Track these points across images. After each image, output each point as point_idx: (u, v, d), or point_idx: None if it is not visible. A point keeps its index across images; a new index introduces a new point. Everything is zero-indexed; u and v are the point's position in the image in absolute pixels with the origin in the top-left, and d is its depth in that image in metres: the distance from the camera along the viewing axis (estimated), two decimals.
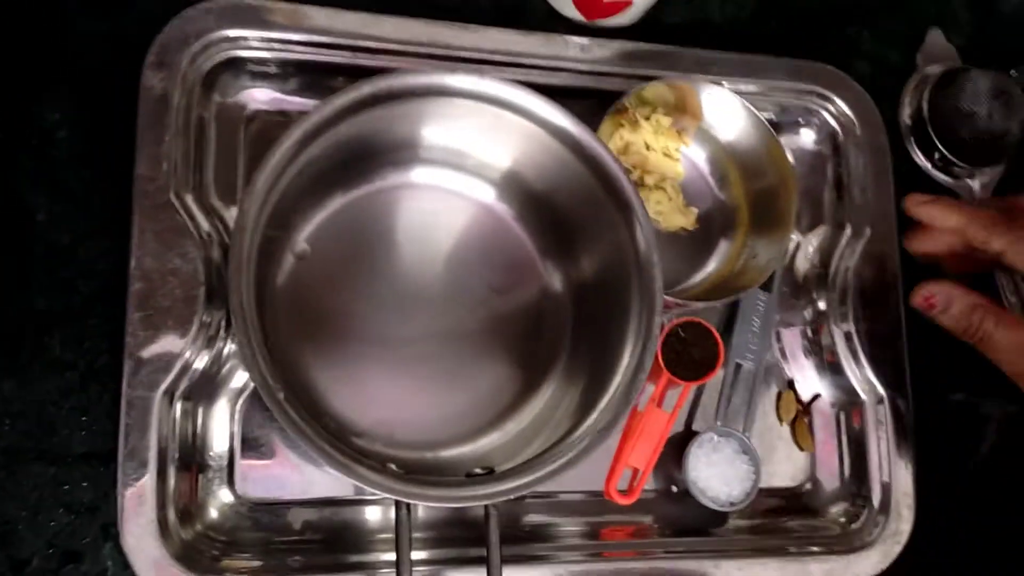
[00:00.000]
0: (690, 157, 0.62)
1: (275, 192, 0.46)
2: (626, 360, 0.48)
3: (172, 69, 0.51)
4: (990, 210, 0.49)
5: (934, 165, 0.64)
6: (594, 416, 0.46)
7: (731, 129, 0.60)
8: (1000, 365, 0.49)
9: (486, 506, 0.45)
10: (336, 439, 0.46)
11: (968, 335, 0.50)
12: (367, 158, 0.52)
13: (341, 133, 0.46)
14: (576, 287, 0.56)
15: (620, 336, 0.49)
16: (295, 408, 0.42)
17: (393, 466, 0.46)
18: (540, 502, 0.57)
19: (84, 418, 0.51)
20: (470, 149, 0.53)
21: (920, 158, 0.64)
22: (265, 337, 0.48)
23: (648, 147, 0.60)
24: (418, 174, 0.55)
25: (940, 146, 0.62)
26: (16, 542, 0.49)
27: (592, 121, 0.57)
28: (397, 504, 0.43)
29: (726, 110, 0.59)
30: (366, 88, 0.45)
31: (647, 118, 0.59)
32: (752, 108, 0.58)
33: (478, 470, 0.47)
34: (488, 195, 0.56)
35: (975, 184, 0.65)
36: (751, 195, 0.60)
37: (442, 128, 0.51)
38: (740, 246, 0.60)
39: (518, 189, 0.55)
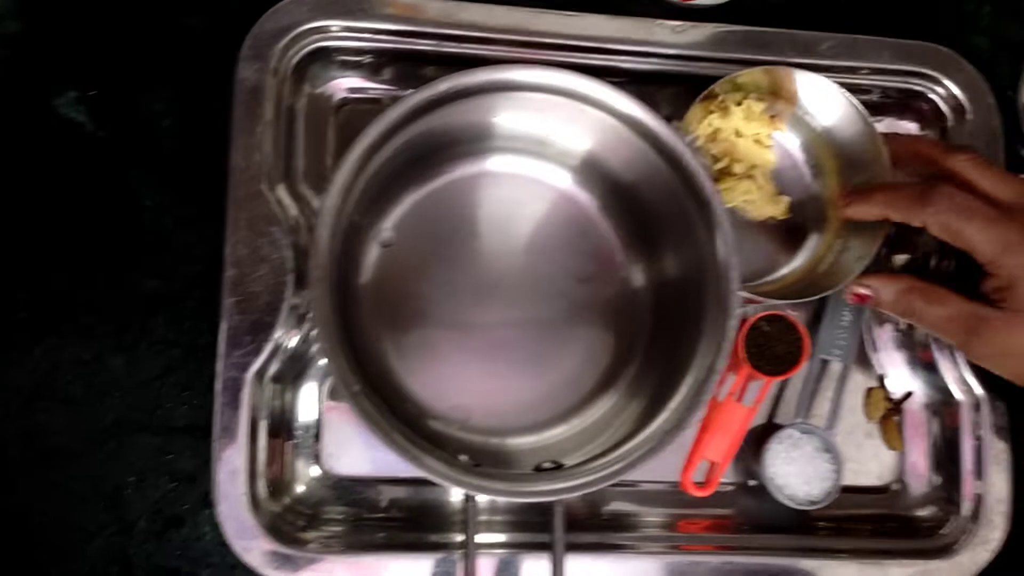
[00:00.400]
0: (784, 144, 0.60)
1: (356, 187, 0.47)
2: (697, 363, 0.47)
3: (265, 61, 0.53)
4: (907, 188, 0.50)
5: None
6: (663, 417, 0.46)
7: (828, 117, 0.57)
8: (939, 338, 0.54)
9: (553, 503, 0.46)
10: (412, 425, 0.48)
11: (906, 316, 0.53)
12: (444, 149, 0.53)
13: (416, 129, 0.47)
14: (657, 284, 0.55)
15: (694, 338, 0.49)
16: (371, 401, 0.44)
17: (465, 457, 0.47)
18: (616, 491, 0.57)
19: (186, 393, 0.55)
20: (548, 138, 0.53)
21: None
22: (348, 325, 0.51)
23: (738, 134, 0.58)
24: (495, 162, 0.55)
25: None
26: (125, 505, 0.53)
27: (683, 107, 0.57)
28: (467, 497, 0.45)
29: (824, 96, 0.56)
30: (441, 86, 0.46)
31: (738, 104, 0.57)
32: (851, 96, 0.55)
33: (547, 464, 0.48)
34: (567, 182, 0.56)
35: None
36: (847, 187, 0.57)
37: (518, 118, 0.51)
38: (831, 240, 0.58)
39: (599, 177, 0.55)
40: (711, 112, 0.57)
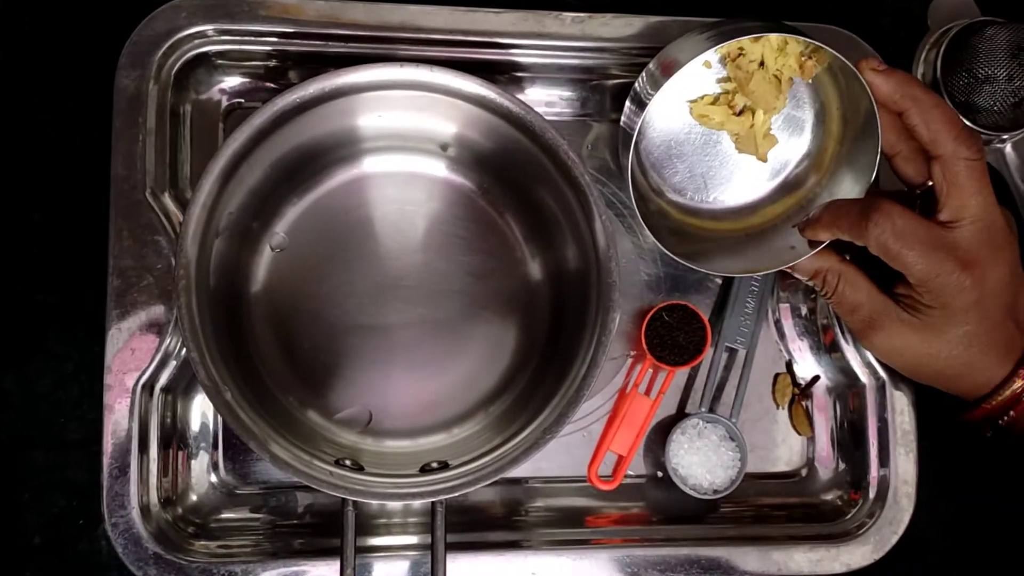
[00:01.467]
0: (799, 104, 0.55)
1: (231, 194, 0.47)
2: (580, 358, 0.47)
3: (145, 68, 0.52)
4: (850, 208, 0.49)
5: None
6: (544, 414, 0.46)
7: (851, 108, 0.53)
8: (844, 321, 0.55)
9: (433, 503, 0.45)
10: (299, 432, 0.48)
11: (817, 289, 0.53)
12: (317, 158, 0.52)
13: (285, 138, 0.46)
14: (555, 278, 0.55)
15: (580, 333, 0.48)
16: (243, 408, 0.44)
17: (348, 462, 0.47)
18: (530, 488, 0.57)
19: (80, 407, 0.54)
20: (420, 132, 0.53)
21: None
22: (235, 330, 0.50)
23: (762, 63, 0.52)
24: (371, 163, 0.55)
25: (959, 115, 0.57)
26: (20, 524, 0.53)
27: (580, 97, 0.59)
28: (343, 502, 0.44)
29: (855, 89, 0.51)
30: (309, 88, 0.46)
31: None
32: (874, 99, 0.50)
33: (434, 463, 0.47)
34: (444, 171, 0.56)
35: (1007, 148, 0.60)
36: (827, 179, 0.55)
37: (388, 117, 0.51)
38: (779, 214, 0.56)
39: (476, 163, 0.55)
40: None
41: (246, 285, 0.53)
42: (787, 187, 0.57)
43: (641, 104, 0.51)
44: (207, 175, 0.45)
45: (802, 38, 0.50)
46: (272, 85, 0.56)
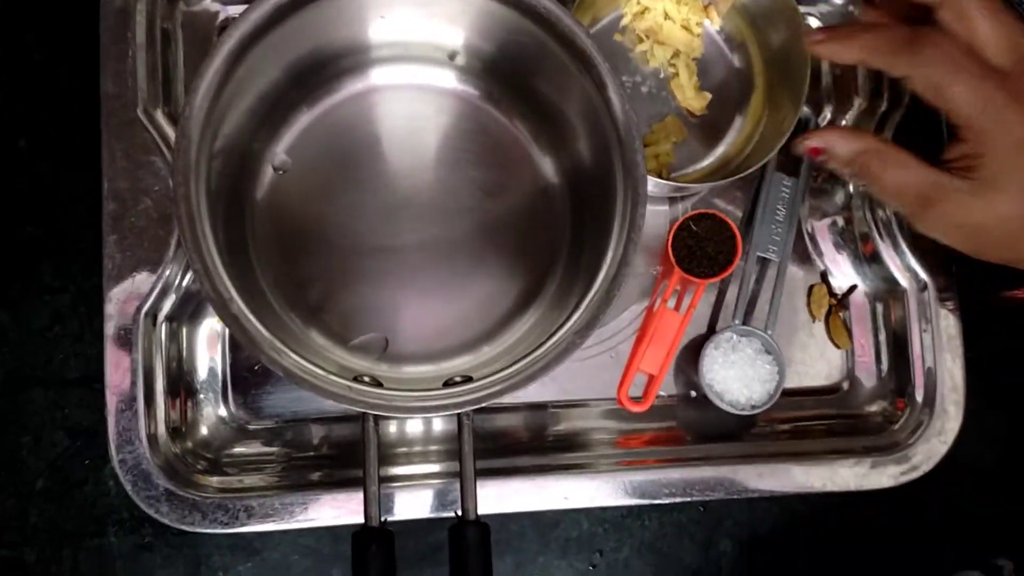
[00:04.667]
0: (707, 27, 0.56)
1: (226, 104, 0.44)
2: (610, 255, 0.44)
3: None
4: (894, 33, 0.44)
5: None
6: (574, 318, 0.43)
7: (762, 40, 0.54)
8: (892, 207, 0.51)
9: (459, 416, 0.42)
10: (314, 353, 0.45)
11: (859, 178, 0.47)
12: (325, 66, 0.49)
13: (283, 42, 0.43)
14: (572, 178, 0.52)
15: (606, 229, 0.45)
16: (249, 323, 0.41)
17: (367, 378, 0.44)
18: (557, 412, 0.54)
19: (79, 342, 0.51)
20: (424, 37, 0.49)
21: None
22: (240, 253, 0.47)
23: (667, 16, 0.54)
24: (379, 74, 0.51)
25: None
26: (21, 468, 0.50)
27: None
28: (363, 417, 0.42)
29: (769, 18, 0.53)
30: None
31: None
32: None
33: (457, 378, 0.44)
34: (453, 82, 0.53)
35: None
36: (766, 57, 0.55)
37: (393, 20, 0.47)
38: (756, 119, 0.54)
39: (484, 70, 0.52)
40: None
41: (249, 209, 0.50)
42: (741, 111, 0.56)
43: None
44: (204, 71, 0.41)
45: None
46: None
